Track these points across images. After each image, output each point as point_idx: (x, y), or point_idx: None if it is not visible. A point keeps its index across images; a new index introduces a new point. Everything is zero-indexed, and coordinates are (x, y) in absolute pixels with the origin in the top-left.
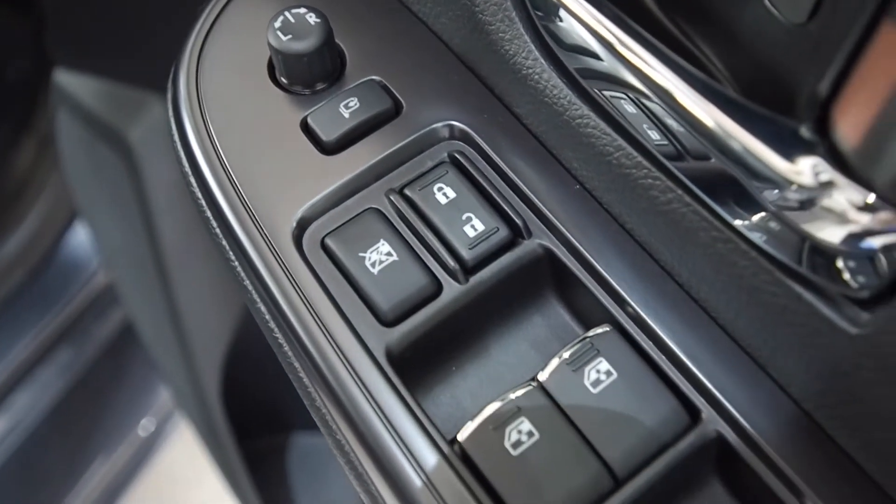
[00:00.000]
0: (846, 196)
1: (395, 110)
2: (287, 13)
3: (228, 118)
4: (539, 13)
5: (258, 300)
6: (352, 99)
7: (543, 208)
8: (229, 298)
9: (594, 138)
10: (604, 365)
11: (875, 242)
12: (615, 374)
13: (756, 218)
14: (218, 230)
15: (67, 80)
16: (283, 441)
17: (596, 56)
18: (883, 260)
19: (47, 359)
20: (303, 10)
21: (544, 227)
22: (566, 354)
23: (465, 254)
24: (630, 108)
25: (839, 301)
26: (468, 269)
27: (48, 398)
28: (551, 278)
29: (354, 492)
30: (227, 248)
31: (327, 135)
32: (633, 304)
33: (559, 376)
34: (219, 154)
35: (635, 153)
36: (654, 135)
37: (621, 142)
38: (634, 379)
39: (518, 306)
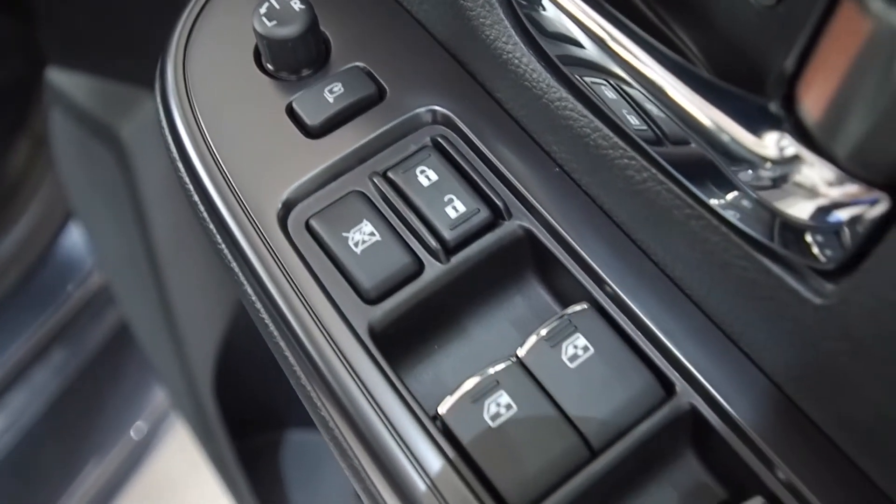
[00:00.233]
0: (817, 172)
1: (379, 96)
2: (272, 0)
3: (215, 104)
4: (521, 1)
5: (244, 282)
6: (336, 84)
7: (524, 190)
8: (223, 295)
9: (572, 120)
10: (581, 341)
11: (842, 216)
12: (592, 350)
13: (730, 196)
14: (205, 214)
15: (60, 79)
16: (277, 438)
17: (574, 41)
18: (847, 232)
19: (42, 359)
20: None
21: (524, 209)
22: (544, 331)
23: (447, 234)
24: (610, 94)
25: (806, 273)
26: (450, 250)
27: (43, 399)
28: (531, 259)
29: (349, 487)
30: (215, 231)
31: (312, 119)
32: (610, 282)
33: (537, 351)
34: (206, 139)
35: (611, 134)
36: (634, 120)
37: (598, 123)
38: (610, 354)
39: (499, 286)
